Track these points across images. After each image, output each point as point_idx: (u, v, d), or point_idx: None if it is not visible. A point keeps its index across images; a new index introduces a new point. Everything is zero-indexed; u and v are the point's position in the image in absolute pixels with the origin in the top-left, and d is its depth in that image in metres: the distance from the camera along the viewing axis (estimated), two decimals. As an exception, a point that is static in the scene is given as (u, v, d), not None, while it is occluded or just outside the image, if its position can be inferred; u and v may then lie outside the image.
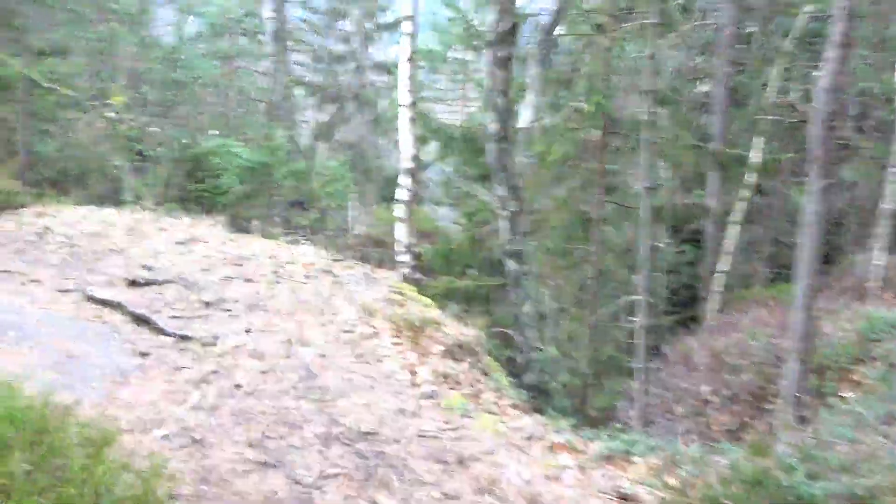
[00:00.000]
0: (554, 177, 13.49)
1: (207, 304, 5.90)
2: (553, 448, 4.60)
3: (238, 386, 4.83)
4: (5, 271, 6.50)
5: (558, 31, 14.59)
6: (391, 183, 8.31)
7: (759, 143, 13.54)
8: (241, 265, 6.91)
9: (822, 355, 8.06)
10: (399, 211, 7.59)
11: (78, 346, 5.19)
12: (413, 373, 5.24)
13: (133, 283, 6.19)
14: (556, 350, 8.09)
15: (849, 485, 3.44)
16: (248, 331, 5.55)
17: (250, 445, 4.18)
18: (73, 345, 5.22)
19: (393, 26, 26.77)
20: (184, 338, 5.39)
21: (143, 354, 5.16)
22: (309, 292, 6.41)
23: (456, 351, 5.79)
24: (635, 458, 4.48)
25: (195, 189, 16.02)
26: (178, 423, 4.38)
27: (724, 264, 13.92)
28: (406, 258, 7.43)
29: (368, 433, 4.43)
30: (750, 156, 13.39)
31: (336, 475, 3.94)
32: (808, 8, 12.77)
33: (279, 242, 7.98)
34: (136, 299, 5.95)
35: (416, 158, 7.58)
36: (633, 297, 7.44)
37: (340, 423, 4.51)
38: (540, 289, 8.87)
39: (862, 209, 15.72)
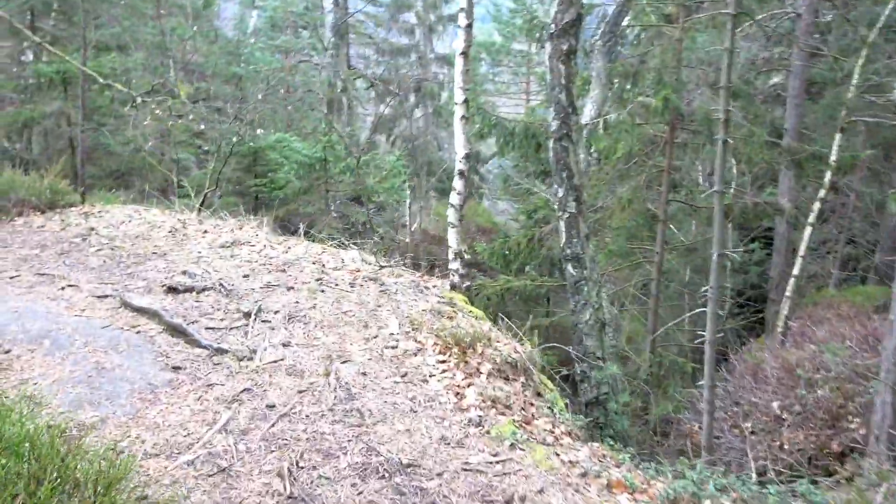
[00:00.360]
0: (617, 175, 12.90)
1: (246, 315, 5.61)
2: (611, 487, 4.14)
3: (272, 406, 4.51)
4: (46, 274, 6.35)
5: (625, 21, 13.97)
6: (451, 177, 7.90)
7: (838, 139, 12.67)
8: (284, 270, 6.62)
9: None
10: (451, 215, 7.18)
11: (110, 358, 4.97)
12: (459, 395, 4.83)
13: (171, 290, 5.95)
14: (617, 367, 7.54)
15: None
16: (286, 344, 5.23)
17: (279, 476, 3.86)
18: (104, 356, 5.00)
19: (456, 18, 26.37)
20: (219, 351, 5.10)
21: (176, 368, 4.90)
22: (353, 302, 6.06)
23: (507, 369, 5.35)
24: (705, 502, 4.00)
25: (253, 184, 15.95)
26: (205, 447, 4.10)
27: (796, 268, 13.10)
28: (456, 265, 7.02)
29: (408, 465, 4.06)
30: (832, 152, 12.49)
31: (369, 515, 3.58)
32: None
33: (325, 246, 7.67)
34: (173, 307, 5.71)
35: (468, 159, 7.15)
36: (701, 310, 6.88)
37: (378, 453, 4.14)
38: (600, 294, 8.32)
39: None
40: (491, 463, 4.17)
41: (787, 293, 12.97)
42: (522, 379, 5.34)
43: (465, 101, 7.38)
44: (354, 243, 7.59)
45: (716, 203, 5.95)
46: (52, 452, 3.26)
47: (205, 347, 5.14)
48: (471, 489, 3.92)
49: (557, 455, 4.40)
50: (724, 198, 6.07)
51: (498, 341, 5.62)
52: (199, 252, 7.03)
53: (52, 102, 13.76)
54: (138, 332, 5.33)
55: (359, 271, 6.79)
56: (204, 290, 5.95)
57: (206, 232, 7.82)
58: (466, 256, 6.98)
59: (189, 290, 5.95)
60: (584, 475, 4.21)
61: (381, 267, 6.98)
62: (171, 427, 4.27)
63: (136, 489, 3.49)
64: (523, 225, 16.62)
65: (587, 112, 12.74)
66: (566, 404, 5.61)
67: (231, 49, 21.69)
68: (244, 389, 4.66)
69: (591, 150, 13.04)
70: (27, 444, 3.14)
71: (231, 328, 5.46)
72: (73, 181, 10.34)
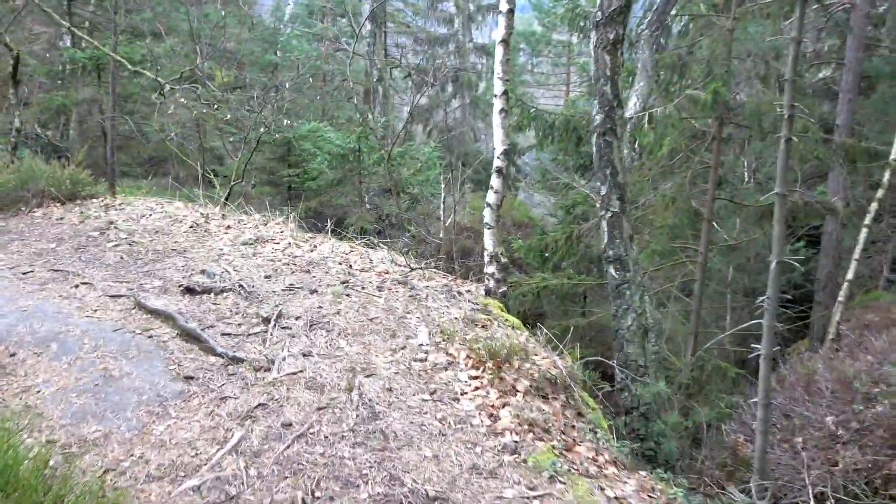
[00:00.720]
0: (661, 171, 12.32)
1: (265, 320, 5.23)
2: (662, 529, 3.70)
3: (288, 425, 4.13)
4: (61, 270, 6.05)
5: (673, 11, 13.33)
6: (488, 168, 7.44)
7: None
8: (308, 271, 6.23)
9: None
10: (487, 216, 6.72)
11: (119, 365, 4.64)
12: (493, 417, 4.40)
13: (188, 291, 5.60)
14: (663, 383, 7.03)
15: None
16: (306, 354, 4.84)
17: (292, 507, 3.48)
18: (114, 362, 4.67)
19: (495, 7, 25.89)
20: (235, 360, 4.74)
21: (188, 378, 4.54)
22: (380, 308, 5.65)
23: (545, 386, 4.91)
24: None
25: (286, 174, 15.63)
26: (213, 470, 3.73)
27: (850, 272, 12.38)
28: (492, 269, 6.57)
29: (435, 498, 3.64)
30: (893, 150, 11.77)
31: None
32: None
33: (353, 245, 7.26)
34: (189, 310, 5.35)
35: (507, 155, 6.68)
36: (757, 321, 6.35)
37: (402, 482, 3.73)
38: (644, 298, 7.81)
39: None
40: (528, 498, 3.73)
41: (840, 298, 12.27)
42: (562, 397, 4.89)
43: (505, 93, 6.91)
44: (384, 242, 7.18)
45: (777, 206, 5.41)
46: (36, 484, 2.91)
47: (220, 355, 4.78)
48: (504, 529, 3.51)
49: (602, 489, 3.95)
50: (786, 201, 5.56)
51: (535, 354, 5.17)
52: (221, 249, 6.68)
53: (85, 89, 13.57)
54: (150, 337, 4.99)
55: (388, 273, 6.38)
56: (222, 291, 5.59)
57: (229, 227, 7.47)
58: (503, 259, 6.52)
59: (207, 291, 5.59)
60: (631, 515, 3.77)
61: (412, 269, 6.56)
62: (179, 445, 3.92)
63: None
64: (561, 220, 16.11)
65: (631, 105, 12.15)
66: (609, 426, 5.14)
67: (267, 37, 21.44)
68: (259, 405, 4.29)
69: (635, 145, 12.47)
70: (5, 478, 2.80)
71: (249, 335, 5.09)
72: (103, 169, 10.08)
